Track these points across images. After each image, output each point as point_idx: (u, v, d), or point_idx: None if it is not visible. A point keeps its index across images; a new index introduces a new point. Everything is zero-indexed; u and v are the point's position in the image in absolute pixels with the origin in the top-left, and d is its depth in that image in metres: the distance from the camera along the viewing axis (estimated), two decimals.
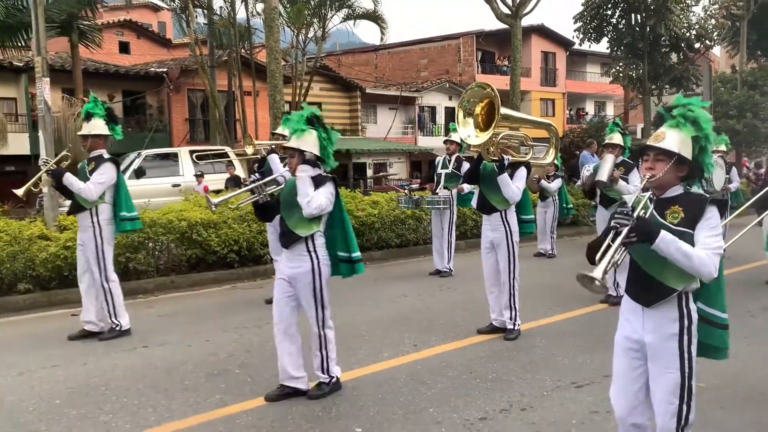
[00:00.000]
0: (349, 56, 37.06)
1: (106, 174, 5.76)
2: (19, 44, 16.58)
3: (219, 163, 15.75)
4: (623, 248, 2.67)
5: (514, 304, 5.82)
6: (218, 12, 21.59)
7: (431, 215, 9.36)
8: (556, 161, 10.73)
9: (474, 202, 6.08)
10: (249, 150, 6.82)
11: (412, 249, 10.89)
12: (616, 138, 6.78)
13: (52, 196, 8.66)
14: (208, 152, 16.63)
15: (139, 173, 14.75)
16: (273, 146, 6.91)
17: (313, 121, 4.29)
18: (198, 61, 19.82)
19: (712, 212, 2.74)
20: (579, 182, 9.09)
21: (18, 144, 18.84)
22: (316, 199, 4.15)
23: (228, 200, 4.24)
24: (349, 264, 4.46)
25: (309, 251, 4.30)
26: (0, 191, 19.55)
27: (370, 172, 27.88)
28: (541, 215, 10.93)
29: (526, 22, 19.73)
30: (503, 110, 5.07)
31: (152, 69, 24.81)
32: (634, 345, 2.86)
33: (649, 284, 2.79)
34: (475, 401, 4.34)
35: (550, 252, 10.87)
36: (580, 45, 29.71)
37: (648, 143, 2.86)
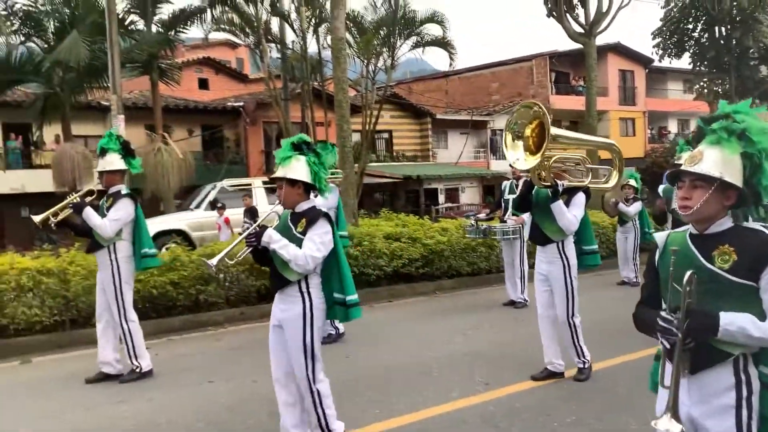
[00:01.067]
0: (419, 83, 37.19)
1: (122, 210, 5.58)
2: (105, 85, 17.45)
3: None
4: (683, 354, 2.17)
5: (578, 342, 5.30)
6: (291, 46, 22.08)
7: (501, 243, 9.00)
8: (635, 184, 10.17)
9: (526, 233, 5.64)
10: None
11: (485, 278, 10.52)
12: (686, 158, 6.20)
13: None
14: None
15: (215, 205, 15.10)
16: None
17: (301, 147, 3.84)
18: (272, 94, 20.29)
19: None
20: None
21: None
22: (302, 256, 3.64)
23: (226, 256, 3.83)
24: (343, 307, 3.90)
25: (302, 292, 3.78)
26: None
27: (441, 198, 27.61)
28: (621, 241, 10.44)
29: (601, 40, 19.17)
30: (554, 130, 4.61)
31: (229, 104, 25.65)
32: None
33: (697, 346, 2.21)
34: None
35: (634, 280, 10.25)
36: (660, 61, 28.62)
37: (682, 167, 2.35)
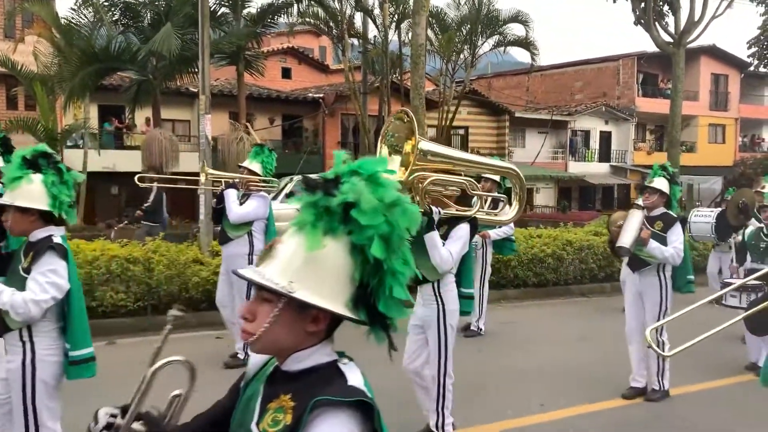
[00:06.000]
0: (500, 79, 36.81)
1: None
2: (194, 71, 18.26)
3: None
4: None
5: (442, 410, 4.37)
6: (372, 41, 22.39)
7: None
8: None
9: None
10: (201, 178, 6.24)
11: (551, 289, 10.48)
12: (657, 183, 5.43)
13: (207, 222, 9.31)
14: None
15: (291, 197, 15.60)
16: (234, 180, 6.26)
17: (37, 163, 3.07)
18: (351, 87, 20.66)
19: (332, 423, 1.32)
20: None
21: (190, 162, 20.74)
22: (21, 302, 2.93)
23: None
24: (72, 365, 3.12)
25: (23, 341, 3.04)
26: (174, 204, 21.50)
27: None
28: None
29: (694, 42, 18.33)
30: (426, 145, 3.81)
31: (310, 94, 26.26)
32: None
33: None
34: None
35: None
36: (756, 70, 27.19)
37: (250, 267, 1.51)
